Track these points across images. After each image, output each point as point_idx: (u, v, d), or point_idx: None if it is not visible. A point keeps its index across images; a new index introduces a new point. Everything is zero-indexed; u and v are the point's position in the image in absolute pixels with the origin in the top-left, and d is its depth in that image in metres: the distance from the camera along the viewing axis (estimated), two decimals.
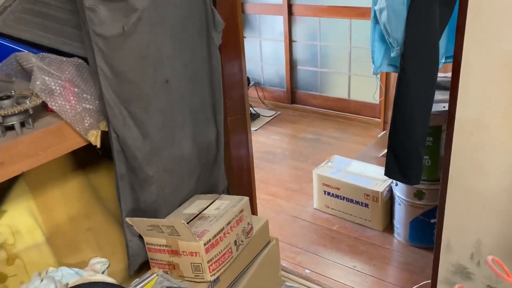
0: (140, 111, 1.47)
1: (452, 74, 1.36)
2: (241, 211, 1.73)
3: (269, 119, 4.22)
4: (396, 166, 1.54)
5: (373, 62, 1.49)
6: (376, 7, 1.29)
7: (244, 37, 4.39)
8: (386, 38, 1.30)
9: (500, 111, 1.33)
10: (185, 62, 1.57)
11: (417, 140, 1.49)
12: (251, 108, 4.26)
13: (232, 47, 1.92)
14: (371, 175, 2.65)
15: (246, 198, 1.78)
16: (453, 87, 1.38)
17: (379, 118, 3.84)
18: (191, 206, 1.78)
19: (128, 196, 1.58)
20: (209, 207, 1.74)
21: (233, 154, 2.05)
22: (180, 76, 1.57)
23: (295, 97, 4.37)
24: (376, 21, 1.36)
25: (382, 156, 3.09)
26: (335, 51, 3.97)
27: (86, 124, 1.49)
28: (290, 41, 4.16)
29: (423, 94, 1.41)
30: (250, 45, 4.45)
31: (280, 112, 4.35)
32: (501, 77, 1.30)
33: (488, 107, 1.34)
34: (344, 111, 4.07)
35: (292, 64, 4.25)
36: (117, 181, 1.54)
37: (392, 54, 1.32)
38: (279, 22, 4.17)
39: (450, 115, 1.41)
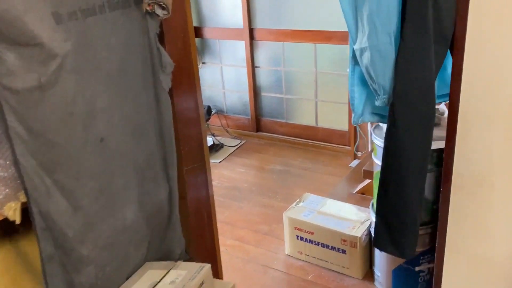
0: (69, 179, 1.18)
1: (448, 123, 1.14)
2: (201, 283, 1.46)
3: (233, 149, 3.95)
4: (387, 236, 1.29)
5: (353, 110, 1.25)
6: (356, 46, 1.05)
7: (204, 63, 4.14)
8: (368, 83, 1.07)
9: (507, 167, 1.11)
10: (125, 113, 1.30)
11: (413, 205, 1.23)
12: (214, 138, 3.98)
13: (186, 83, 1.66)
14: (348, 216, 2.41)
15: (208, 266, 1.50)
16: (449, 137, 1.15)
17: (349, 146, 3.64)
18: (141, 279, 1.49)
19: (60, 280, 1.28)
20: (162, 279, 1.46)
21: (191, 209, 1.76)
22: (120, 131, 1.28)
23: (260, 125, 4.13)
24: (355, 61, 1.12)
25: (357, 192, 2.87)
26: (300, 77, 3.76)
27: (1, 196, 1.19)
28: (253, 67, 3.94)
29: (419, 150, 1.16)
30: (211, 72, 4.20)
31: (245, 141, 4.09)
32: (507, 127, 1.09)
33: (493, 162, 1.12)
34: (312, 139, 3.85)
35: (256, 91, 4.02)
36: (43, 264, 1.23)
37: (377, 103, 1.09)
38: (240, 47, 3.94)
39: (446, 170, 1.18)
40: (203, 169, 1.86)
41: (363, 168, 2.59)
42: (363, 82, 1.14)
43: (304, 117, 3.87)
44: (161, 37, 1.41)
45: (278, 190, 3.25)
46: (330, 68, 3.57)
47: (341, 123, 3.68)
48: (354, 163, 3.53)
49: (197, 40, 4.12)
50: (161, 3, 1.28)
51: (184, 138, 1.65)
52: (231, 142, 4.07)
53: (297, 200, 2.63)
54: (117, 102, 1.26)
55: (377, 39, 0.99)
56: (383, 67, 1.00)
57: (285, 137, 3.98)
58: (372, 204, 2.28)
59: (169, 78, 1.43)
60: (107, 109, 1.23)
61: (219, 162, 3.73)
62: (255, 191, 3.27)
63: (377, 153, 2.00)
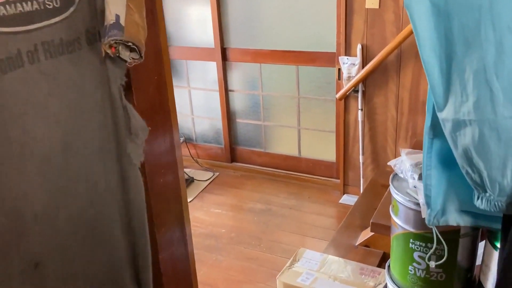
0: None
1: None
2: None
3: (206, 184, 3.49)
4: None
5: (428, 205, 0.84)
6: (444, 115, 0.66)
7: None
8: (464, 170, 0.67)
9: None
10: (73, 215, 0.84)
11: None
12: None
13: (161, 130, 1.22)
14: (355, 279, 2.00)
15: None
16: None
17: (337, 178, 3.26)
18: None
19: None
20: None
21: (166, 275, 1.30)
22: (63, 249, 0.82)
23: (236, 155, 3.69)
24: (435, 133, 0.73)
25: (360, 244, 2.48)
26: (280, 102, 3.36)
27: None
28: (226, 91, 3.50)
29: None
30: (178, 96, 3.72)
31: (218, 173, 3.64)
32: None
33: None
34: (295, 170, 3.45)
35: (230, 117, 3.58)
36: None
37: (478, 203, 0.70)
38: (211, 68, 3.49)
39: None
40: (181, 225, 1.40)
41: (371, 220, 2.20)
42: (446, 163, 0.75)
43: (285, 146, 3.46)
44: (127, 90, 0.96)
45: (261, 236, 2.82)
46: (314, 92, 3.18)
47: (326, 153, 3.30)
48: (344, 199, 3.14)
49: None
50: (130, 43, 0.83)
51: (158, 193, 1.19)
52: (202, 175, 3.60)
53: (291, 258, 2.20)
54: (60, 202, 0.80)
55: (494, 112, 0.61)
56: (503, 154, 0.61)
57: (264, 168, 3.55)
58: (389, 266, 1.87)
59: (141, 149, 0.97)
60: (44, 215, 0.76)
61: (190, 201, 3.26)
62: (234, 239, 2.82)
63: (399, 212, 1.60)
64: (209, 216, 3.07)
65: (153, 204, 1.20)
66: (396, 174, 1.59)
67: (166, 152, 1.27)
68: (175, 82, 3.69)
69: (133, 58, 0.86)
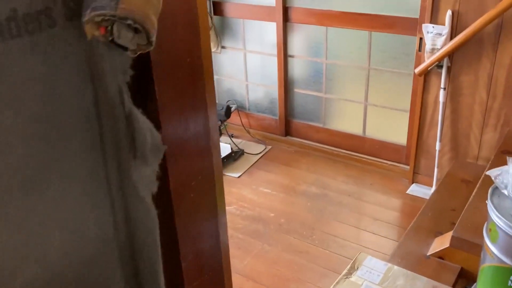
0: None
1: None
2: None
3: (256, 158, 3.19)
4: None
5: None
6: None
7: (223, 47, 3.32)
8: None
9: None
10: (38, 282, 0.55)
11: None
12: (232, 142, 3.22)
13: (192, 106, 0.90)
14: None
15: None
16: None
17: (406, 164, 2.85)
18: None
19: None
20: None
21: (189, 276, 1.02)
22: None
23: (291, 128, 3.34)
24: None
25: (433, 255, 2.11)
26: (346, 72, 2.94)
27: None
28: (285, 56, 3.12)
29: None
30: (231, 59, 3.39)
31: (270, 147, 3.32)
32: None
33: None
34: (357, 151, 3.06)
35: (287, 86, 3.21)
36: None
37: None
38: (270, 30, 3.11)
39: None
40: (213, 217, 1.10)
41: (451, 234, 1.82)
42: None
43: (348, 123, 3.07)
44: (144, 75, 0.63)
45: (314, 226, 2.51)
46: (388, 64, 2.74)
47: (396, 135, 2.88)
48: (413, 189, 2.75)
49: (216, 18, 3.29)
50: (129, 21, 0.50)
51: (182, 188, 0.89)
52: (253, 148, 3.30)
53: (349, 265, 1.88)
54: (18, 262, 0.51)
55: None
56: None
57: (322, 145, 3.19)
58: None
59: (154, 174, 0.66)
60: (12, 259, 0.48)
61: (239, 177, 2.98)
62: (284, 226, 2.52)
63: (498, 240, 1.23)
64: (257, 195, 2.79)
65: (175, 198, 0.90)
66: (497, 188, 1.19)
67: (198, 135, 0.95)
68: (230, 44, 3.35)
69: (138, 45, 0.53)
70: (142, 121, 0.61)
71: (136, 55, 0.55)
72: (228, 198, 2.77)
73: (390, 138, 2.91)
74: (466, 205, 1.97)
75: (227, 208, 2.68)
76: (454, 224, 1.97)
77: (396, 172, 2.89)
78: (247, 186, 2.88)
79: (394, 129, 2.87)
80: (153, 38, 0.53)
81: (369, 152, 3.01)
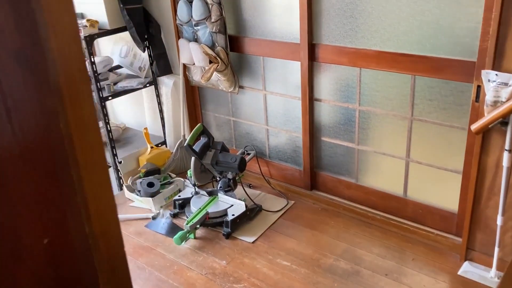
0: None
1: None
2: None
3: (276, 216, 2.73)
4: None
5: None
6: None
7: (241, 87, 2.90)
8: None
9: None
10: None
11: None
12: (247, 195, 2.77)
13: None
14: None
15: None
16: None
17: (458, 236, 2.33)
18: None
19: None
20: None
21: None
22: None
23: (317, 182, 2.87)
24: None
25: None
26: (384, 122, 2.46)
27: None
28: (310, 99, 2.66)
29: None
30: (250, 100, 2.96)
31: (293, 202, 2.85)
32: None
33: None
34: (396, 214, 2.56)
35: (313, 133, 2.75)
36: None
37: None
38: (294, 69, 2.67)
39: None
40: None
41: None
42: None
43: (386, 181, 2.57)
44: None
45: None
46: (436, 115, 2.24)
47: (445, 198, 2.36)
48: (466, 269, 2.21)
49: (234, 55, 2.88)
50: None
51: None
52: (273, 203, 2.84)
53: None
54: None
55: None
56: None
57: (354, 204, 2.70)
58: None
59: None
60: None
61: (253, 242, 2.52)
62: None
63: None
64: (274, 270, 2.32)
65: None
66: None
67: None
68: (248, 83, 2.93)
69: None
70: None
71: None
72: (238, 272, 2.31)
73: (438, 202, 2.39)
74: None
75: (234, 286, 2.23)
76: None
77: (445, 244, 2.37)
78: (262, 256, 2.42)
79: (443, 192, 2.36)
80: None
81: (411, 217, 2.49)
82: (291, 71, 2.69)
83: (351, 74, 2.46)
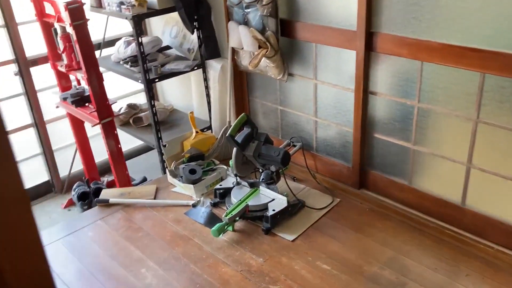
0: None
1: None
2: None
3: (319, 214, 2.58)
4: None
5: None
6: None
7: (290, 74, 2.74)
8: None
9: None
10: None
11: None
12: (290, 190, 2.63)
13: None
14: None
15: None
16: None
17: None
18: None
19: None
20: None
21: None
22: None
23: (367, 180, 2.68)
24: None
25: None
26: (445, 122, 2.22)
27: None
28: (364, 92, 2.46)
29: None
30: (300, 89, 2.80)
31: (339, 200, 2.69)
32: None
33: None
34: (452, 224, 2.34)
35: (365, 129, 2.56)
36: None
37: None
38: (349, 59, 2.47)
39: None
40: None
41: None
42: None
43: (443, 186, 2.35)
44: None
45: None
46: (506, 119, 1.99)
47: (509, 212, 2.12)
48: None
49: (285, 40, 2.72)
50: None
51: None
52: (317, 200, 2.69)
53: None
54: None
55: None
56: None
57: (406, 208, 2.50)
58: None
59: None
60: None
61: (293, 241, 2.40)
62: None
63: None
64: (312, 273, 2.19)
65: None
66: None
67: None
68: (298, 71, 2.76)
69: None
70: None
71: None
72: (275, 271, 2.20)
73: (501, 214, 2.15)
74: None
75: (269, 287, 2.12)
76: None
77: (505, 262, 2.13)
78: (301, 257, 2.29)
79: (507, 204, 2.11)
80: None
81: (469, 228, 2.27)
82: (346, 61, 2.49)
83: (412, 67, 2.24)
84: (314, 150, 2.89)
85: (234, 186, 2.71)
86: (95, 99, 2.82)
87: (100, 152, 3.36)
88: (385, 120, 2.46)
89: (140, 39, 2.82)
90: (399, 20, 2.19)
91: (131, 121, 3.43)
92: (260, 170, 2.69)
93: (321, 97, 2.71)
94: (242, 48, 2.78)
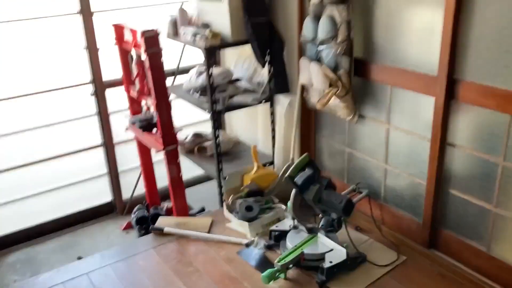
0: None
1: None
2: None
3: (381, 272, 2.35)
4: None
5: None
6: None
7: (361, 116, 2.58)
8: None
9: None
10: None
11: None
12: (351, 241, 2.43)
13: None
14: None
15: None
16: None
17: None
18: None
19: None
20: None
21: None
22: None
23: (438, 240, 2.42)
24: None
25: None
26: None
27: None
28: (442, 143, 2.24)
29: None
30: (371, 132, 2.62)
31: (405, 258, 2.44)
32: None
33: None
34: None
35: (440, 183, 2.32)
36: None
37: None
38: (426, 105, 2.27)
39: None
40: None
41: None
42: None
43: None
44: None
45: None
46: None
47: None
48: None
49: (358, 80, 2.57)
50: None
51: None
52: (380, 254, 2.46)
53: None
54: None
55: None
56: None
57: (482, 277, 2.20)
58: None
59: None
60: None
61: None
62: None
63: None
64: None
65: None
66: None
67: None
68: (370, 113, 2.58)
69: None
70: None
71: None
72: None
73: None
74: None
75: None
76: None
77: None
78: None
79: None
80: None
81: None
82: (423, 107, 2.29)
83: (499, 120, 1.99)
84: (382, 199, 2.67)
85: (290, 229, 2.56)
86: (161, 126, 2.83)
87: (163, 178, 3.36)
88: (464, 176, 2.21)
89: (210, 70, 2.81)
90: (487, 68, 1.97)
91: (195, 149, 3.42)
92: (320, 215, 2.52)
93: (394, 143, 2.51)
94: (312, 85, 2.67)
